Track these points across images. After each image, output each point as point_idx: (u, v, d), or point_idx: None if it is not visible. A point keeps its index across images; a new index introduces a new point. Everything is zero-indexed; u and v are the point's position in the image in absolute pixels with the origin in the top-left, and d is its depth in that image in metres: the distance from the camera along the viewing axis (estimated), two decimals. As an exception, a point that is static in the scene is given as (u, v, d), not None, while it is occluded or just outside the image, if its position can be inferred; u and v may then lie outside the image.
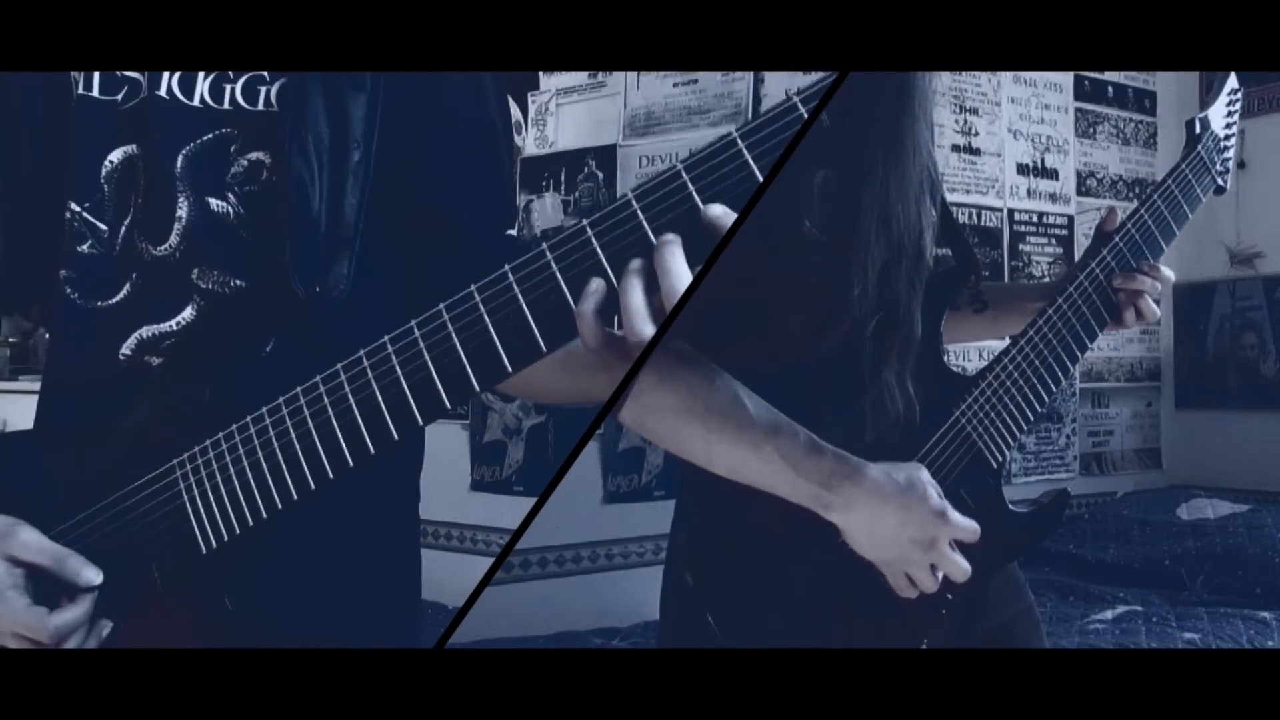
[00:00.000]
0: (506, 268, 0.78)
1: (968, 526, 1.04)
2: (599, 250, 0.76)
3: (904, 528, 1.02)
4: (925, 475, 1.04)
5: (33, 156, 1.01)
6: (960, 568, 1.04)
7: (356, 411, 0.82)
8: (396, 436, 0.82)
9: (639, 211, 0.75)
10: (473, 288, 0.79)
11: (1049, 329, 1.18)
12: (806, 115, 0.74)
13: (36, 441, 1.00)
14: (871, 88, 0.98)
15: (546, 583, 2.62)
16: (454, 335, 0.79)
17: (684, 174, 0.75)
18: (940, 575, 1.04)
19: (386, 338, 0.82)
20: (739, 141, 0.74)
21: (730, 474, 1.00)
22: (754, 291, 1.00)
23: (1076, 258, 2.21)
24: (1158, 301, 1.24)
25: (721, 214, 0.74)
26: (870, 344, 1.04)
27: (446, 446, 2.90)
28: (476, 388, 0.79)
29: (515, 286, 0.77)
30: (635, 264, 0.74)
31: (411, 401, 0.81)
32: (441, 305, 0.80)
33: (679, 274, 0.73)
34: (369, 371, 0.82)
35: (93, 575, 0.88)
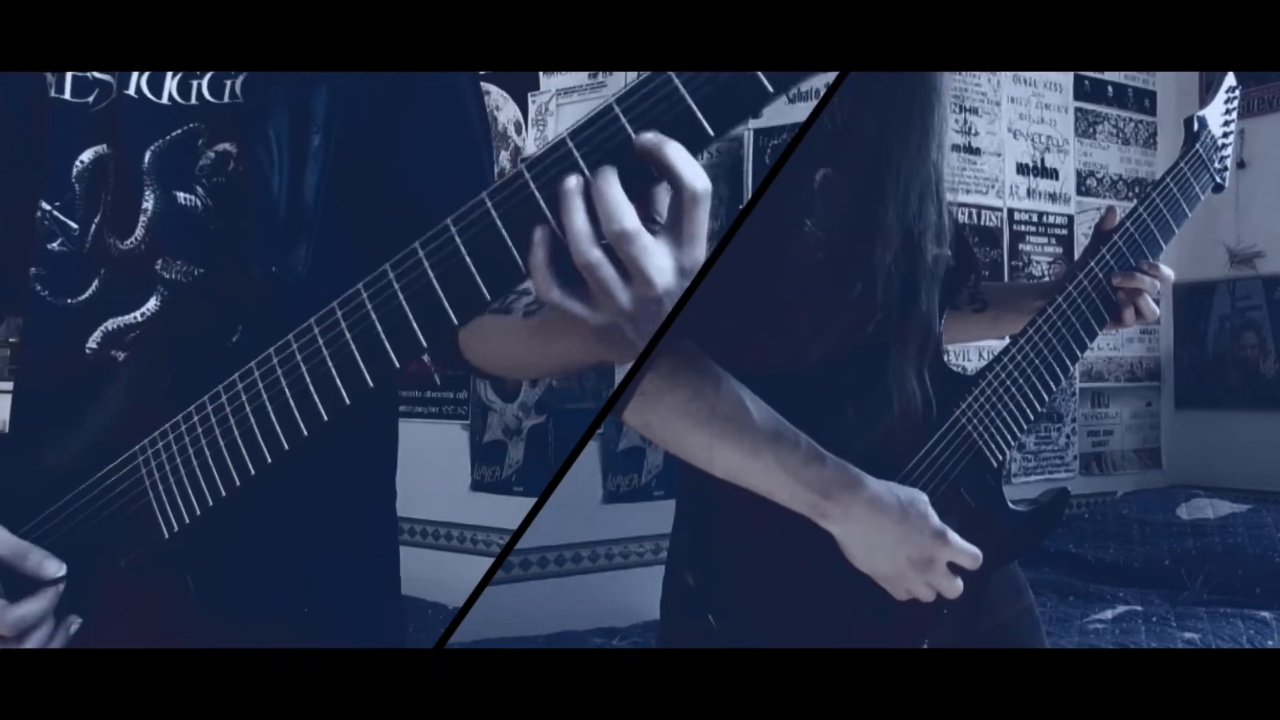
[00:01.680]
0: (448, 220, 0.78)
1: (968, 551, 1.04)
2: (536, 193, 0.75)
3: (901, 545, 1.02)
4: (925, 497, 1.04)
5: (5, 158, 1.02)
6: (955, 587, 1.04)
7: (308, 379, 0.83)
8: (347, 400, 0.82)
9: (574, 150, 0.75)
10: (416, 244, 0.78)
11: (1049, 328, 1.18)
12: (674, 76, 0.74)
13: (11, 440, 1.01)
14: (890, 86, 0.97)
15: (546, 583, 2.62)
16: (399, 292, 0.79)
17: (616, 107, 0.75)
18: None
19: (334, 302, 0.82)
20: (674, 79, 0.74)
21: (730, 478, 1.00)
22: (760, 290, 1.00)
23: (1076, 257, 2.21)
24: (1157, 300, 1.24)
25: (654, 138, 0.73)
26: (892, 343, 1.04)
27: (446, 446, 2.90)
28: (423, 342, 0.79)
29: (457, 237, 0.77)
30: (571, 183, 0.73)
31: (360, 361, 0.81)
32: (387, 265, 0.80)
33: (615, 198, 0.72)
34: (319, 338, 0.82)
35: (54, 568, 0.88)
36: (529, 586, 2.58)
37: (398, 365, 0.80)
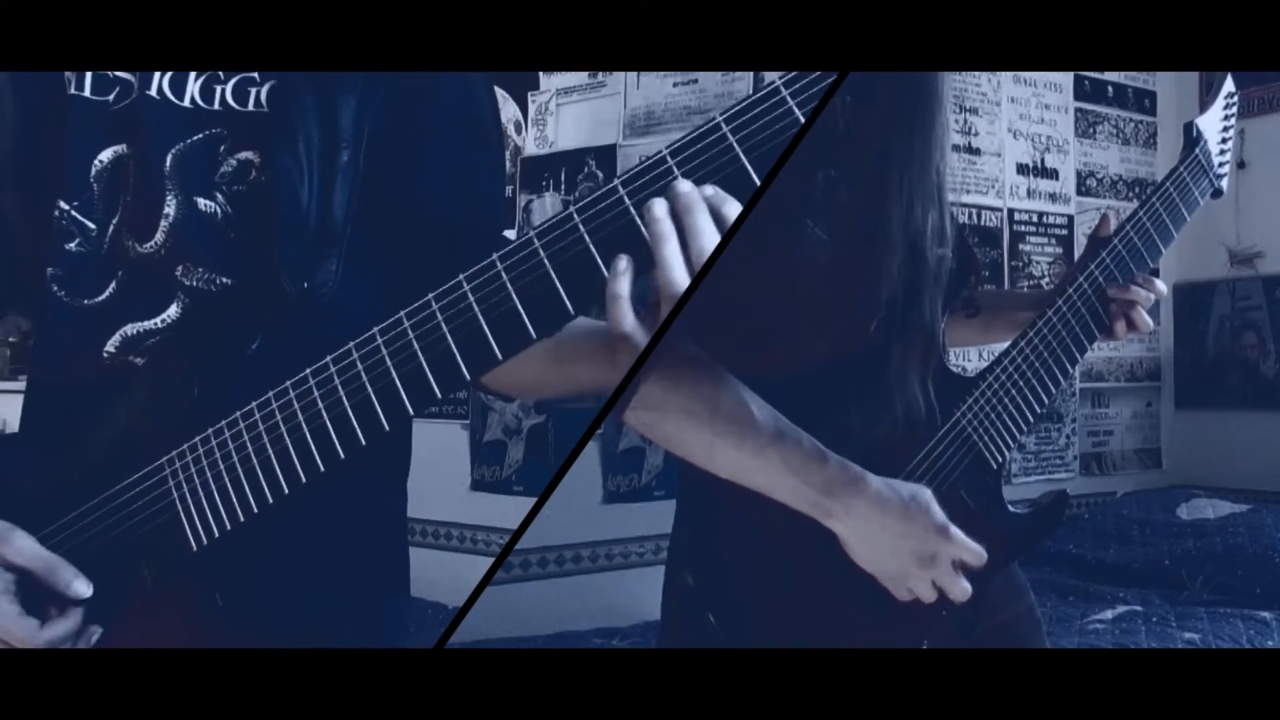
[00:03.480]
0: (495, 256, 0.78)
1: (972, 548, 1.03)
2: (586, 237, 0.76)
3: (904, 540, 1.01)
4: (928, 493, 1.04)
5: (24, 155, 1.01)
6: (961, 588, 1.03)
7: (347, 404, 0.83)
8: (387, 427, 0.82)
9: (625, 198, 0.76)
10: (461, 277, 0.79)
11: (1049, 331, 1.18)
12: (790, 99, 0.75)
13: (23, 442, 1.00)
14: (894, 90, 0.97)
15: (546, 583, 2.62)
16: (443, 324, 0.79)
17: (669, 159, 0.76)
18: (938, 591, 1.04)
19: (376, 329, 0.82)
20: (723, 126, 0.75)
21: (732, 477, 1.00)
22: (762, 295, 1.00)
23: (1076, 257, 2.21)
24: (1153, 312, 1.23)
25: (689, 189, 0.75)
26: (895, 348, 1.04)
27: (446, 446, 2.90)
28: (467, 376, 0.79)
29: (504, 275, 0.77)
30: (660, 210, 0.75)
31: (402, 391, 0.81)
32: (430, 295, 0.80)
33: (707, 229, 0.74)
34: (359, 363, 0.82)
35: (83, 588, 0.88)
36: (529, 586, 2.58)
37: (439, 395, 0.80)
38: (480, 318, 0.78)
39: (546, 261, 0.77)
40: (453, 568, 2.69)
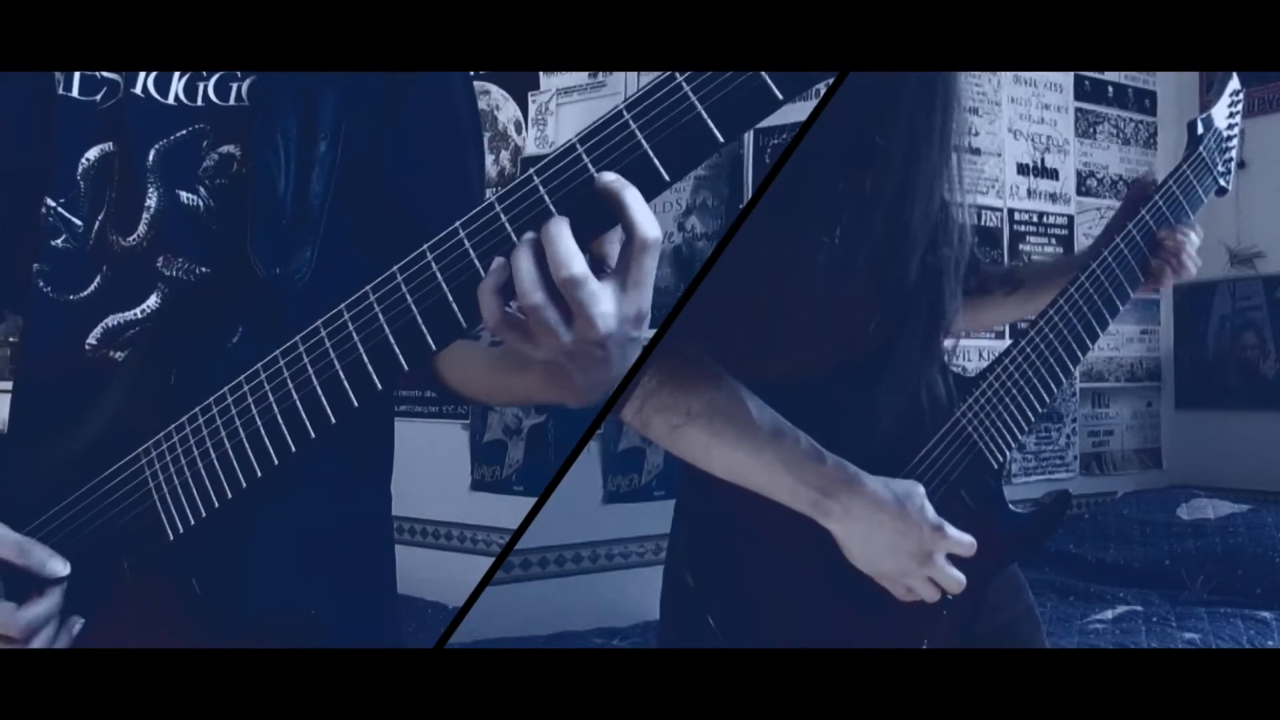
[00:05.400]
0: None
1: (963, 540, 1.04)
2: (552, 208, 0.76)
3: (901, 540, 1.02)
4: (921, 490, 1.04)
5: (12, 155, 1.03)
6: (955, 579, 1.04)
7: (315, 382, 0.83)
8: (356, 403, 0.82)
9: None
10: (425, 247, 0.80)
11: (1049, 329, 1.18)
12: (684, 83, 0.75)
13: (11, 439, 1.01)
14: (916, 89, 0.98)
15: (546, 583, 2.62)
16: (407, 296, 0.80)
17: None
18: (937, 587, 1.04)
19: (343, 305, 0.83)
20: (685, 85, 0.75)
21: (729, 477, 1.00)
22: (780, 303, 1.00)
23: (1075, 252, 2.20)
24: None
25: (613, 179, 0.75)
26: (917, 339, 1.04)
27: (446, 446, 2.90)
28: (433, 347, 0.80)
29: (466, 242, 0.78)
30: (528, 235, 0.76)
31: (369, 366, 0.82)
32: (395, 269, 0.81)
33: (564, 245, 0.74)
34: (326, 341, 0.83)
35: (58, 566, 0.88)
36: (529, 586, 2.58)
37: (406, 369, 0.81)
38: (444, 285, 0.79)
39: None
40: (452, 568, 2.69)
